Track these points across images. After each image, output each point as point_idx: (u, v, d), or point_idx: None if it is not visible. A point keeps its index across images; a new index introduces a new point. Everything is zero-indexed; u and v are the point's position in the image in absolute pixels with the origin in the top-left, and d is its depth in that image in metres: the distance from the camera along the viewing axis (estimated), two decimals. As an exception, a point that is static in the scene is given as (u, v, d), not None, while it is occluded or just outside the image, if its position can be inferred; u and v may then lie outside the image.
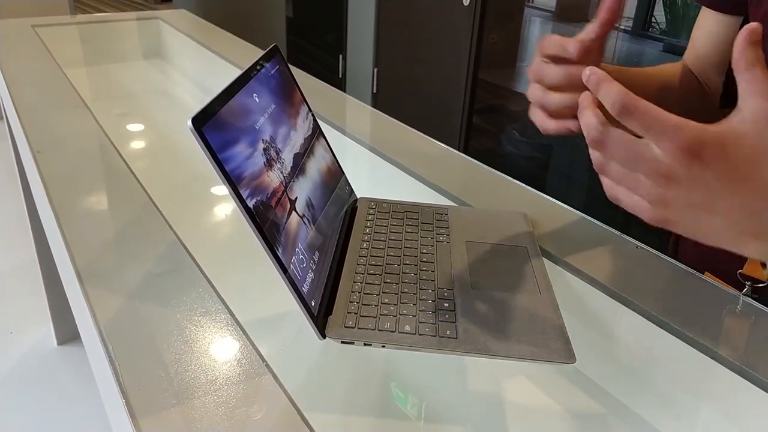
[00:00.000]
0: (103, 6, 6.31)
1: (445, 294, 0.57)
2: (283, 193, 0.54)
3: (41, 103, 1.05)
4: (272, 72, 0.61)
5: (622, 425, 0.56)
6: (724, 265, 0.63)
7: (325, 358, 0.59)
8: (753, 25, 0.38)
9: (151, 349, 0.51)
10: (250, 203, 0.48)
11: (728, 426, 0.54)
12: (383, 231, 0.67)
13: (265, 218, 0.49)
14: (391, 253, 0.63)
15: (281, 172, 0.55)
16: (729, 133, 0.37)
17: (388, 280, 0.58)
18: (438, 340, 0.51)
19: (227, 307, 0.57)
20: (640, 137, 0.39)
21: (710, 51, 0.73)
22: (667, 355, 0.57)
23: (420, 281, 0.58)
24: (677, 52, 1.85)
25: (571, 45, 0.53)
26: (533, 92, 0.57)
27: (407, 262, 0.61)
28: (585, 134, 0.41)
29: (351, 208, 0.71)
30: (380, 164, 0.92)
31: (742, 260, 0.63)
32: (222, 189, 0.48)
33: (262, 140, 0.54)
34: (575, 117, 0.56)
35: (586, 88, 0.41)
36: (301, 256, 0.53)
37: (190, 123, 0.44)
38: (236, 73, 0.54)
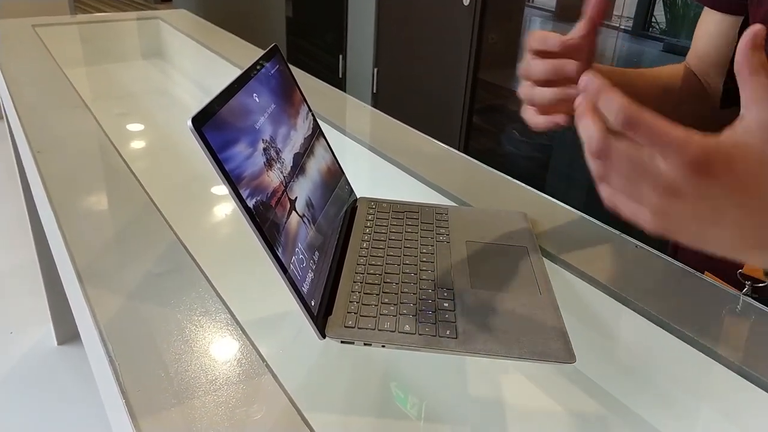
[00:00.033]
0: (103, 6, 6.31)
1: (445, 294, 0.57)
2: (283, 193, 0.54)
3: (41, 103, 1.05)
4: (272, 72, 0.61)
5: (622, 425, 0.56)
6: (724, 264, 0.63)
7: (325, 358, 0.59)
8: (756, 27, 0.36)
9: (151, 349, 0.51)
10: (250, 203, 0.48)
11: (728, 426, 0.54)
12: (383, 231, 0.67)
13: (265, 218, 0.49)
14: (391, 253, 0.63)
15: (281, 172, 0.55)
16: (735, 145, 0.36)
17: (388, 280, 0.58)
18: (438, 340, 0.51)
19: (227, 307, 0.57)
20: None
21: (711, 51, 0.73)
22: (667, 355, 0.57)
23: (420, 281, 0.58)
24: (677, 52, 1.85)
25: (551, 38, 0.53)
26: (522, 89, 0.57)
27: (407, 262, 0.61)
28: (585, 145, 0.39)
29: (351, 207, 0.71)
30: (380, 164, 0.92)
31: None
32: (222, 189, 0.48)
33: (262, 140, 0.54)
34: (562, 111, 0.56)
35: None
36: (300, 256, 0.53)
37: (190, 123, 0.44)
38: (236, 73, 0.54)
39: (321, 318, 0.52)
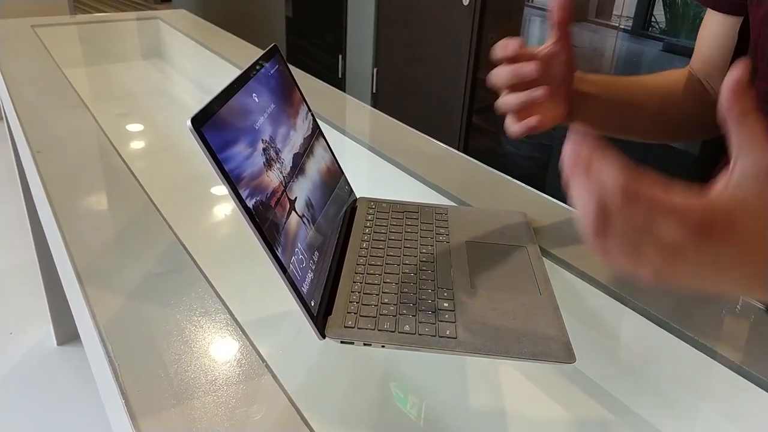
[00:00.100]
0: (103, 6, 6.31)
1: (445, 294, 0.57)
2: (282, 193, 0.54)
3: (41, 103, 1.05)
4: (272, 72, 0.61)
5: (622, 425, 0.56)
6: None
7: (325, 358, 0.59)
8: (738, 72, 0.35)
9: (151, 349, 0.51)
10: (250, 203, 0.48)
11: (728, 426, 0.54)
12: (383, 231, 0.67)
13: (264, 218, 0.49)
14: (391, 253, 0.63)
15: (281, 172, 0.55)
16: (735, 204, 0.36)
17: (388, 280, 0.58)
18: (438, 340, 0.51)
19: (227, 307, 0.57)
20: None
21: (715, 54, 0.72)
22: (667, 355, 0.57)
23: (420, 281, 0.58)
24: (677, 51, 1.84)
25: (511, 44, 0.53)
26: (498, 101, 0.57)
27: (407, 262, 0.61)
28: (583, 221, 0.37)
29: (351, 207, 0.71)
30: (380, 164, 0.92)
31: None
32: (222, 189, 0.48)
33: (262, 140, 0.54)
34: (534, 114, 0.56)
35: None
36: (300, 256, 0.53)
37: (189, 123, 0.44)
38: (236, 73, 0.54)
39: (321, 318, 0.52)
